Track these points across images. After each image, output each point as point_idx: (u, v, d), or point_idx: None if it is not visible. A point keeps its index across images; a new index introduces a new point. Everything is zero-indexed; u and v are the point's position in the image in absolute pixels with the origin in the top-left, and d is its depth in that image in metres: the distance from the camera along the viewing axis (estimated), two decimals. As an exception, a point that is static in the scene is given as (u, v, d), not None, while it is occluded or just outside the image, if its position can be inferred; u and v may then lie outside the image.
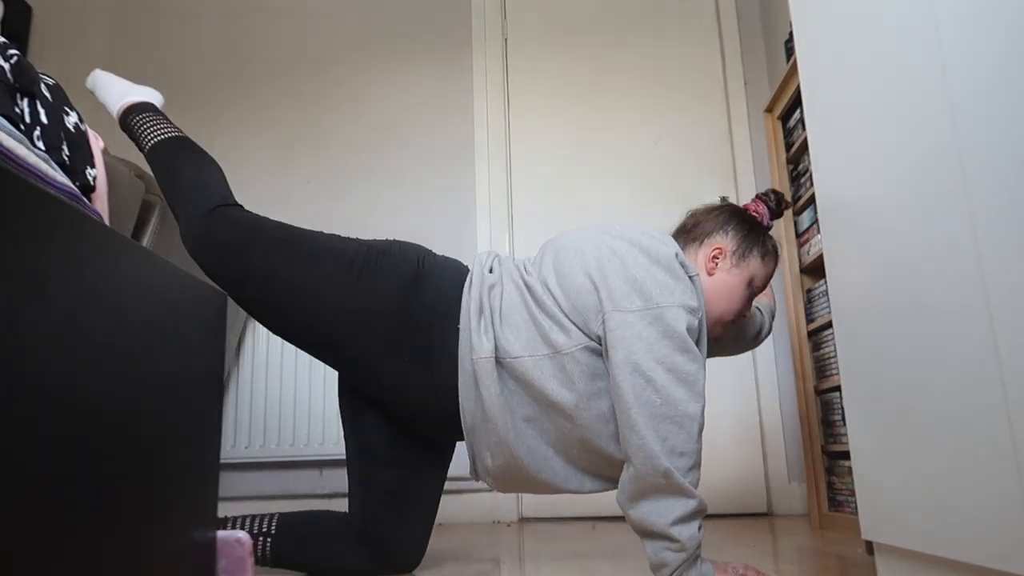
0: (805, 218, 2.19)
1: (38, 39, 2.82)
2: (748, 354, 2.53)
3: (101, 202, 1.10)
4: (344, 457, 1.46)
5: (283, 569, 1.37)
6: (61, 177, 0.97)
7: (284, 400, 2.39)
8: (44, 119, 1.00)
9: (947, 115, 0.91)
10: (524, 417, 1.23)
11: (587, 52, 2.84)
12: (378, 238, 1.44)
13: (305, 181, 2.74)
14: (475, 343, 1.22)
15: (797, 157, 2.28)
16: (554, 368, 1.19)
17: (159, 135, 1.51)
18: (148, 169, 1.51)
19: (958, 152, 0.89)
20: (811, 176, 2.08)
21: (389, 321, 1.27)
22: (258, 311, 1.33)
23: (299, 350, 2.02)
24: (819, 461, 2.07)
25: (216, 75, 2.87)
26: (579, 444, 1.22)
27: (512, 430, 1.22)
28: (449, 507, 2.41)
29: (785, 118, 2.34)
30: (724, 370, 2.49)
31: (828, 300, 1.73)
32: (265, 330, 2.47)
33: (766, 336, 1.62)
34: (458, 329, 1.25)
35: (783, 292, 2.32)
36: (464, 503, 2.44)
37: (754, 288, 1.35)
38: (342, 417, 1.45)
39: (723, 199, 2.65)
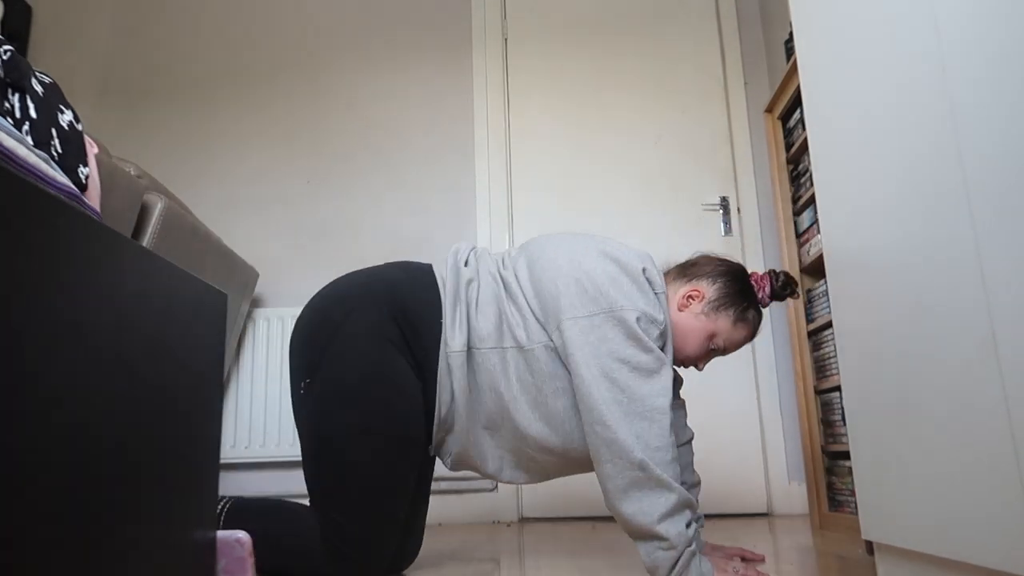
0: (805, 218, 2.19)
1: (38, 39, 2.82)
2: (748, 354, 2.53)
3: (93, 203, 1.10)
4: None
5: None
6: (61, 177, 0.97)
7: (284, 400, 2.39)
8: (33, 114, 1.00)
9: (947, 115, 0.91)
10: (485, 424, 1.28)
11: (587, 52, 2.84)
12: (376, 263, 1.43)
13: (305, 181, 2.74)
14: (448, 337, 1.25)
15: (797, 157, 2.28)
16: (519, 361, 1.23)
17: None
18: (148, 169, 1.51)
19: (958, 152, 0.89)
20: (811, 176, 2.08)
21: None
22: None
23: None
24: (819, 461, 2.07)
25: (216, 75, 2.87)
26: (536, 446, 1.26)
27: (469, 426, 1.27)
28: (449, 507, 2.41)
29: (785, 118, 2.34)
30: (724, 370, 2.49)
31: (828, 300, 1.73)
32: (265, 330, 2.47)
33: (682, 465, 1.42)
34: (441, 324, 1.28)
35: (783, 292, 2.32)
36: (464, 503, 2.44)
37: (715, 345, 1.34)
38: None
39: (723, 199, 2.66)
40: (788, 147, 2.32)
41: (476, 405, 1.27)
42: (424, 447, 1.30)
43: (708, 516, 2.33)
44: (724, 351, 1.36)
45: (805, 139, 2.12)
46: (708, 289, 1.34)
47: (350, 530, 1.21)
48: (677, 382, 1.45)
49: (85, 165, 1.09)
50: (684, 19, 2.86)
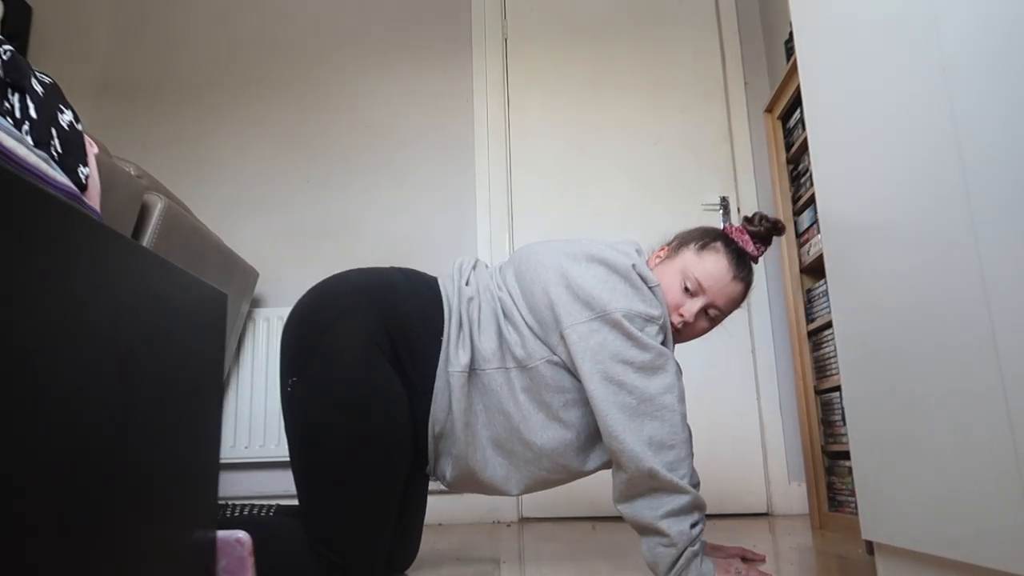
0: (805, 218, 2.19)
1: (38, 39, 2.82)
2: (748, 354, 2.53)
3: (93, 203, 1.10)
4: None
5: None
6: (61, 177, 0.97)
7: (284, 400, 2.39)
8: (33, 114, 1.00)
9: (947, 115, 0.91)
10: (494, 446, 1.25)
11: (587, 52, 2.84)
12: (378, 266, 1.40)
13: (305, 181, 2.74)
14: (452, 355, 1.23)
15: (797, 157, 2.28)
16: (523, 379, 1.22)
17: None
18: (148, 169, 1.51)
19: (958, 152, 0.89)
20: (811, 176, 2.08)
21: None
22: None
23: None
24: (819, 461, 2.07)
25: (216, 75, 2.87)
26: (550, 466, 1.24)
27: (472, 447, 1.24)
28: (449, 507, 2.41)
29: (785, 118, 2.34)
30: (724, 370, 2.49)
31: (828, 300, 1.73)
32: (265, 330, 2.47)
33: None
34: (440, 340, 1.26)
35: (783, 292, 2.32)
36: (464, 503, 2.44)
37: (689, 284, 1.28)
38: None
39: (723, 199, 2.66)
40: (788, 147, 2.32)
41: (478, 425, 1.24)
42: (410, 455, 1.26)
43: (708, 516, 2.31)
44: (705, 292, 1.28)
45: (805, 139, 2.12)
46: (672, 243, 1.38)
47: (334, 532, 1.19)
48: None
49: (85, 165, 1.09)
50: (684, 19, 2.86)
